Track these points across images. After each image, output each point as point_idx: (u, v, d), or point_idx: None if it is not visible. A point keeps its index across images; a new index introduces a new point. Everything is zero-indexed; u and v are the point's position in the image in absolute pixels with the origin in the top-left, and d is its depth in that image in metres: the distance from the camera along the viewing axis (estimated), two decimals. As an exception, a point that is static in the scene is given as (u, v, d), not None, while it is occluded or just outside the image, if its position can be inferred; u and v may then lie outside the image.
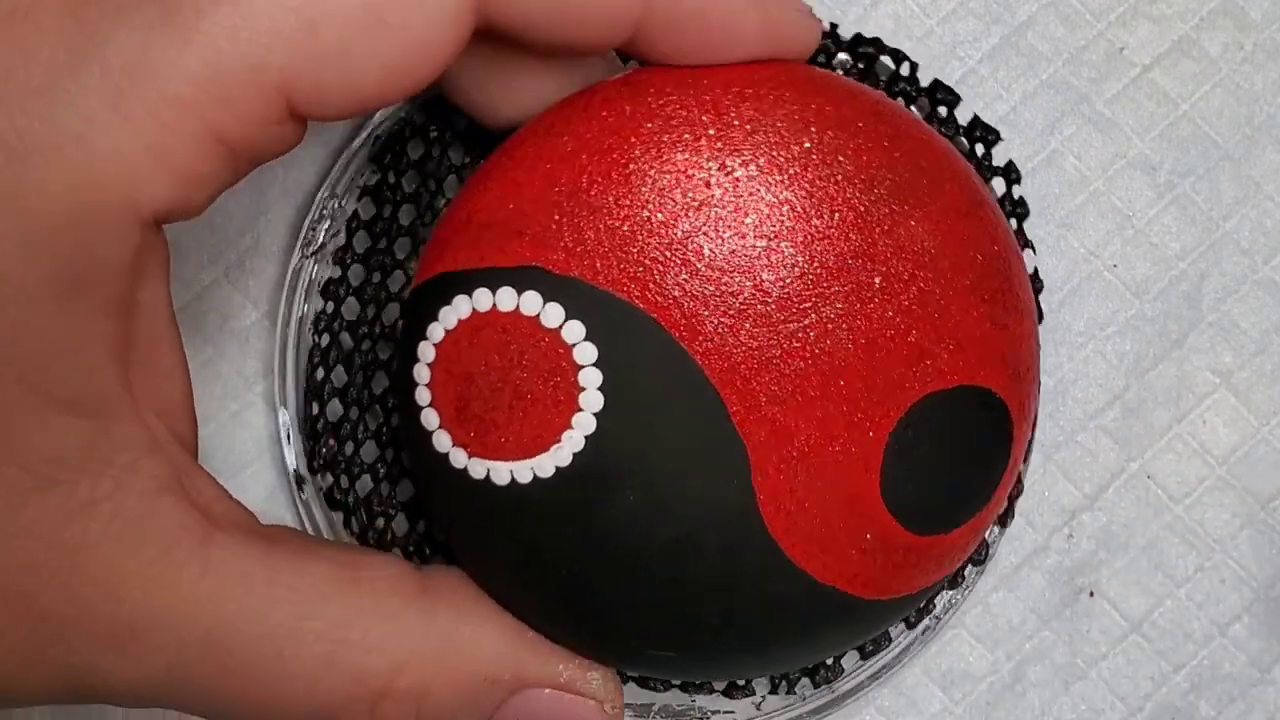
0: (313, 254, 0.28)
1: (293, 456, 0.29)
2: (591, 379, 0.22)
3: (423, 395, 0.23)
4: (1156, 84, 0.31)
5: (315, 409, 0.28)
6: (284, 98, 0.21)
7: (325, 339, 0.28)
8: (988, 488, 0.25)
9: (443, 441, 0.23)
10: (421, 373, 0.23)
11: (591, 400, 0.22)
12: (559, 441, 0.23)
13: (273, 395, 0.29)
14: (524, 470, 0.23)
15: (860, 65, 0.29)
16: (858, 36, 0.28)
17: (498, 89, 0.25)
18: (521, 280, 0.23)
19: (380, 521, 0.28)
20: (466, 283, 0.23)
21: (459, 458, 0.23)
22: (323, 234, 0.28)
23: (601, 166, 0.23)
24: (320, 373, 0.28)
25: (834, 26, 0.29)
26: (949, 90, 0.28)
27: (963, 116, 0.29)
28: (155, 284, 0.22)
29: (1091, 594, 0.30)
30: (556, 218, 0.23)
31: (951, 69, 0.31)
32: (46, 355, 0.20)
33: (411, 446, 0.24)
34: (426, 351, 0.23)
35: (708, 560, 0.23)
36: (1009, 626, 0.30)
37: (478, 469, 0.23)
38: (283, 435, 0.29)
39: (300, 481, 0.28)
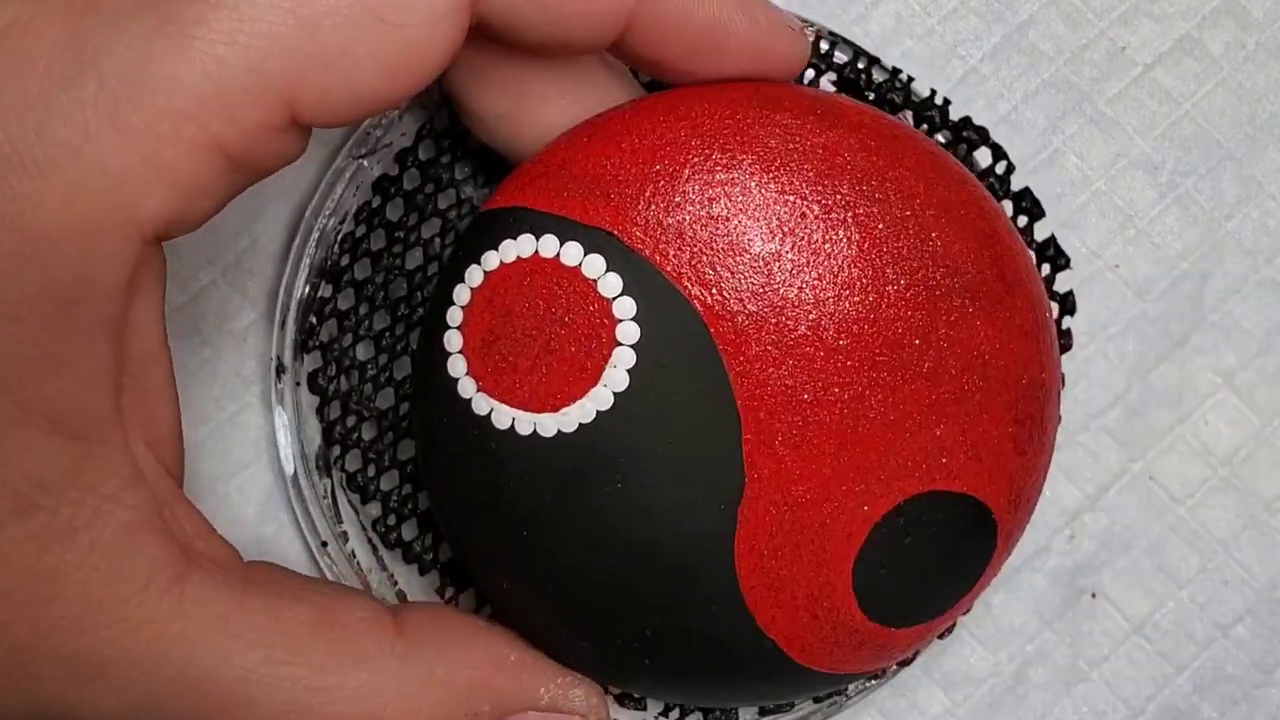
0: (364, 154, 0.28)
1: (289, 456, 0.29)
2: (624, 358, 0.22)
3: (454, 316, 0.23)
4: (1158, 83, 0.31)
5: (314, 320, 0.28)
6: (285, 104, 0.20)
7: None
8: (950, 599, 0.25)
9: (466, 385, 0.23)
10: (461, 294, 0.23)
11: (616, 379, 0.22)
12: (582, 398, 0.22)
13: (269, 396, 0.29)
14: (548, 423, 0.23)
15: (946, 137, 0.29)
16: (965, 120, 0.28)
17: (511, 114, 0.25)
18: (593, 242, 0.23)
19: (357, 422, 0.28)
20: (539, 224, 0.23)
21: (481, 404, 0.23)
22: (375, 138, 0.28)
23: (706, 165, 0.23)
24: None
25: (946, 103, 0.29)
26: (1035, 201, 0.29)
27: (959, 114, 0.29)
28: (150, 302, 0.22)
29: (1094, 595, 0.30)
30: (646, 195, 0.23)
31: (953, 68, 0.31)
32: (36, 373, 0.20)
33: (424, 390, 0.24)
34: (474, 275, 0.23)
35: (665, 571, 0.23)
36: (1010, 628, 0.30)
37: (502, 417, 0.23)
38: (278, 435, 0.29)
39: (281, 371, 0.28)
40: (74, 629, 0.21)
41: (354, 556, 0.28)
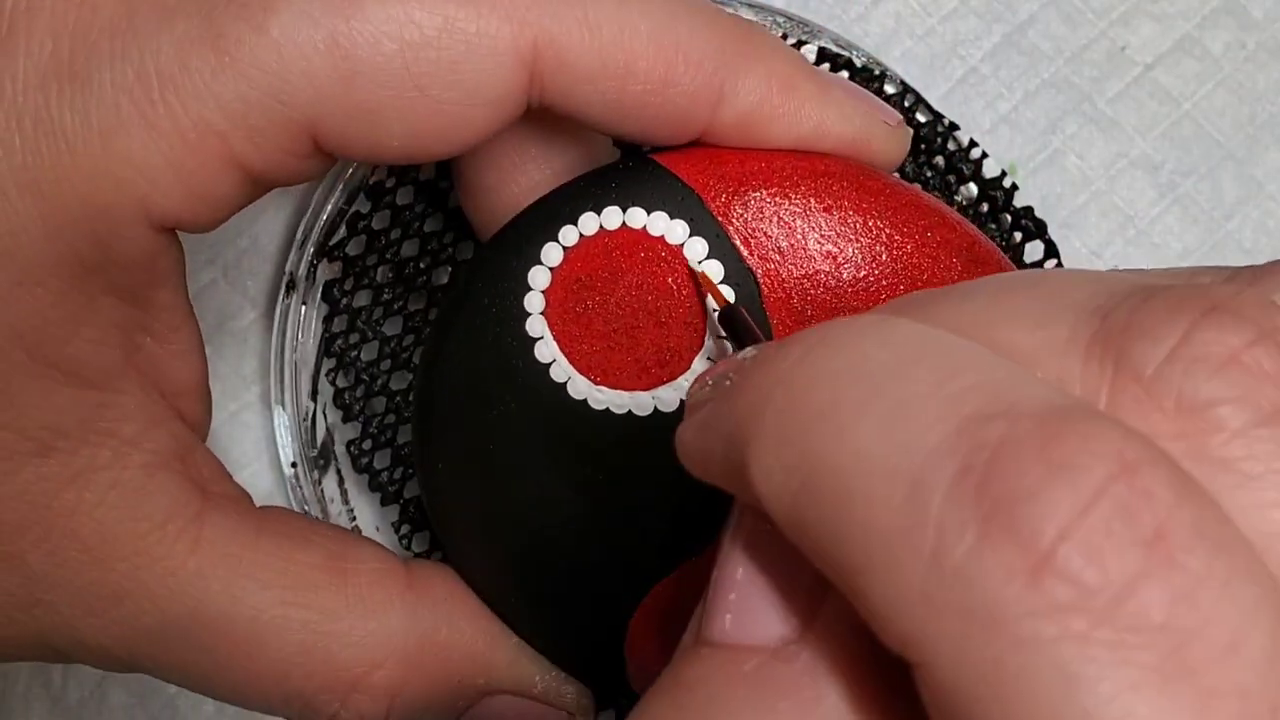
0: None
1: (288, 454, 0.29)
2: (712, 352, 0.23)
3: (533, 302, 0.23)
4: (1158, 83, 0.31)
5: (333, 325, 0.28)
6: (310, 137, 0.21)
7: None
8: None
9: (545, 349, 0.23)
10: (538, 278, 0.23)
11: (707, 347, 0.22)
12: (675, 380, 0.23)
13: (270, 395, 0.29)
14: (645, 402, 0.23)
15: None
16: (1028, 210, 0.28)
17: (497, 187, 0.25)
18: (695, 225, 0.23)
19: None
20: (633, 196, 0.23)
21: (560, 371, 0.23)
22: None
23: (833, 192, 0.23)
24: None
25: (1014, 187, 0.28)
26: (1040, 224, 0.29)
27: (959, 114, 0.29)
28: (169, 277, 0.22)
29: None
30: (736, 197, 0.23)
31: (953, 68, 0.31)
32: (55, 328, 0.21)
33: (479, 340, 0.24)
34: (552, 254, 0.23)
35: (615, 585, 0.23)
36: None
37: (602, 399, 0.23)
38: (278, 435, 0.29)
39: (291, 287, 0.29)
40: (90, 561, 0.22)
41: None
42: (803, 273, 0.23)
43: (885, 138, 0.24)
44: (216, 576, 0.22)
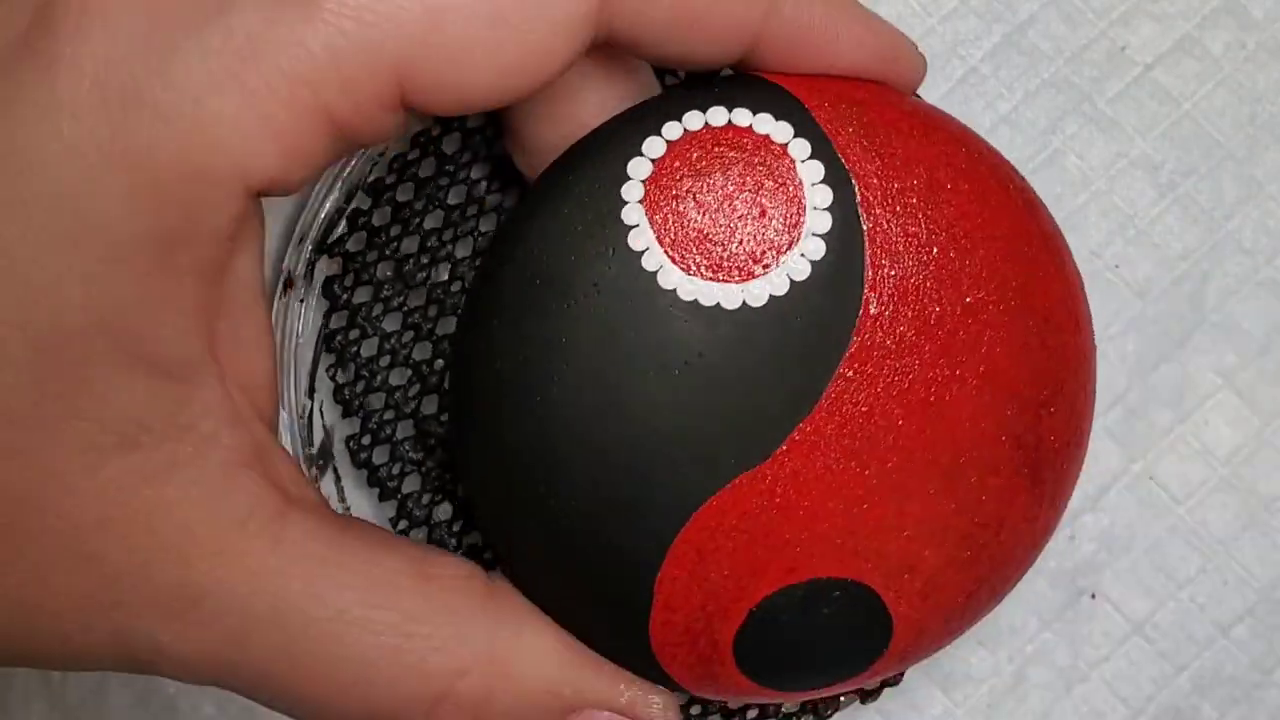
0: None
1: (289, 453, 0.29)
2: (820, 223, 0.23)
3: (632, 191, 0.23)
4: (1158, 83, 0.31)
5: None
6: (398, 85, 0.21)
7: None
8: (839, 678, 0.25)
9: (640, 236, 0.23)
10: (653, 146, 0.23)
11: (813, 247, 0.23)
12: (775, 268, 0.23)
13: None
14: (734, 294, 0.23)
15: None
16: None
17: (547, 106, 0.25)
18: (793, 119, 0.23)
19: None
20: (735, 97, 0.23)
21: (671, 277, 0.23)
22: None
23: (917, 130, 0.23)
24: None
25: None
26: None
27: (959, 114, 0.28)
28: (250, 254, 0.22)
29: (1093, 596, 0.30)
30: (853, 113, 0.23)
31: (953, 68, 0.31)
32: (138, 314, 0.20)
33: (569, 231, 0.23)
34: (655, 147, 0.23)
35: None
36: (1010, 628, 0.30)
37: (693, 290, 0.23)
38: (281, 435, 0.29)
39: (289, 285, 0.28)
40: (171, 560, 0.21)
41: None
42: (898, 187, 0.23)
43: (914, 58, 0.25)
44: (298, 575, 0.22)
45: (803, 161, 0.23)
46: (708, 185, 0.23)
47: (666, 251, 0.23)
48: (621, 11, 0.22)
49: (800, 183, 0.23)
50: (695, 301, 0.22)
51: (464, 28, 0.20)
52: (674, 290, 0.22)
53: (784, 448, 0.23)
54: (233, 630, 0.21)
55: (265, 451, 0.22)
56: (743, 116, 0.23)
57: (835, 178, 0.23)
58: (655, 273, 0.22)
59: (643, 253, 0.23)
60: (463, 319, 0.25)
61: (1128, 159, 0.31)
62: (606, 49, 0.23)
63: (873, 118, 0.23)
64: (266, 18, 0.20)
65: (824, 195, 0.23)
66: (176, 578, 0.21)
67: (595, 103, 0.24)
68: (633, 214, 0.23)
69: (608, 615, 0.24)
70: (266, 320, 0.23)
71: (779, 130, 0.23)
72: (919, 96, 0.26)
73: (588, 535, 0.23)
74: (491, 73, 0.21)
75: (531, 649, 0.23)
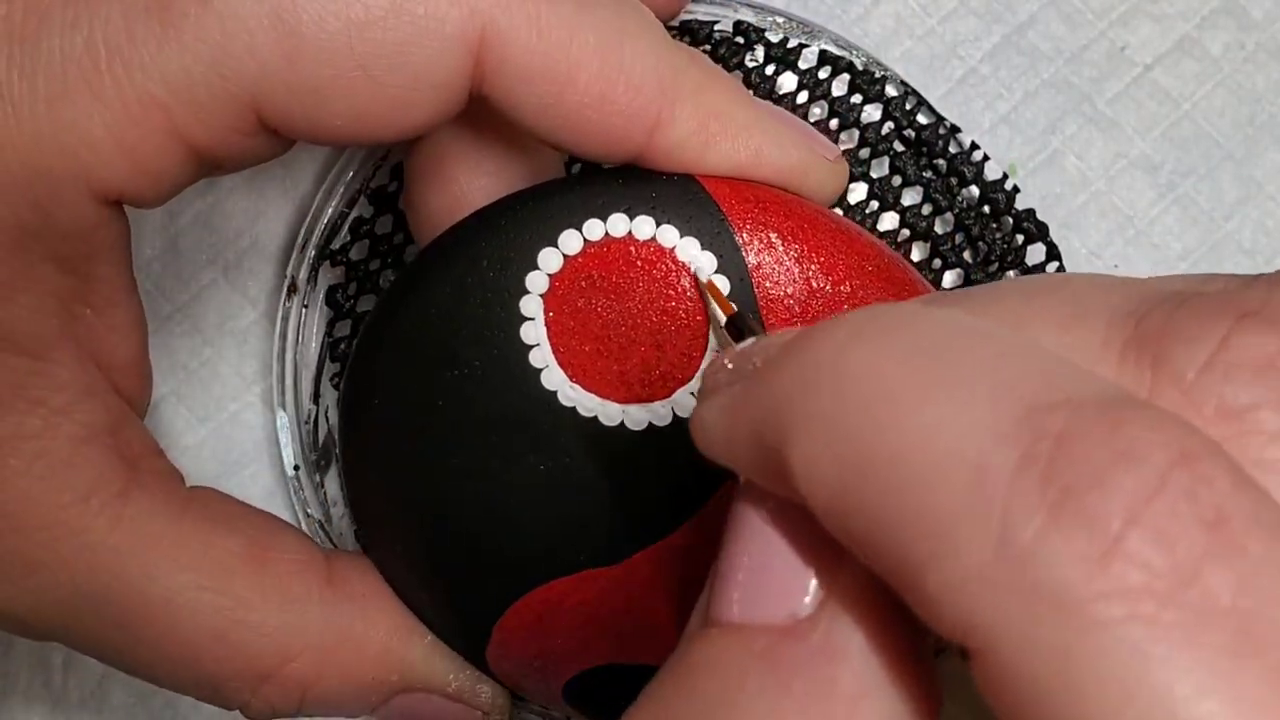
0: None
1: (290, 456, 0.29)
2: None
3: (536, 283, 0.23)
4: (1158, 83, 0.31)
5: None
6: (253, 113, 0.21)
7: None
8: None
9: (540, 355, 0.23)
10: (551, 261, 0.23)
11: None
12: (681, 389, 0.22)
13: (270, 396, 0.29)
14: (614, 413, 0.23)
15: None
16: (1029, 212, 0.28)
17: (437, 171, 0.24)
18: (692, 227, 0.23)
19: None
20: (626, 202, 0.23)
21: (554, 377, 0.23)
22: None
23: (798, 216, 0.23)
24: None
25: (1015, 190, 0.28)
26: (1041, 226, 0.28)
27: (959, 115, 0.28)
28: (114, 254, 0.22)
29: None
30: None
31: (952, 68, 0.31)
32: None
33: (463, 337, 0.23)
34: (572, 243, 0.23)
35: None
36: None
37: (573, 398, 0.23)
38: (280, 437, 0.29)
39: (292, 290, 0.29)
40: (9, 528, 0.22)
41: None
42: (789, 294, 0.23)
43: (823, 171, 0.24)
44: (134, 554, 0.22)
45: (707, 280, 0.22)
46: (611, 299, 0.22)
47: (556, 354, 0.23)
48: (494, 89, 0.21)
49: (703, 313, 0.22)
50: (574, 409, 0.23)
51: (318, 69, 0.20)
52: (555, 393, 0.23)
53: (634, 559, 0.23)
54: (67, 601, 0.22)
55: (118, 425, 0.23)
56: (669, 236, 0.22)
57: (743, 301, 0.22)
58: (540, 370, 0.23)
59: (532, 347, 0.23)
60: (360, 343, 0.25)
61: (1127, 159, 0.31)
62: (508, 124, 0.22)
63: (787, 231, 0.23)
64: (128, 31, 0.20)
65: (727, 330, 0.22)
66: (13, 546, 0.22)
67: (489, 172, 0.24)
68: (531, 306, 0.23)
69: (453, 624, 0.25)
70: (136, 308, 0.23)
71: (684, 246, 0.22)
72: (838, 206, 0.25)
73: (440, 567, 0.24)
74: (346, 116, 0.21)
75: (362, 636, 0.24)
